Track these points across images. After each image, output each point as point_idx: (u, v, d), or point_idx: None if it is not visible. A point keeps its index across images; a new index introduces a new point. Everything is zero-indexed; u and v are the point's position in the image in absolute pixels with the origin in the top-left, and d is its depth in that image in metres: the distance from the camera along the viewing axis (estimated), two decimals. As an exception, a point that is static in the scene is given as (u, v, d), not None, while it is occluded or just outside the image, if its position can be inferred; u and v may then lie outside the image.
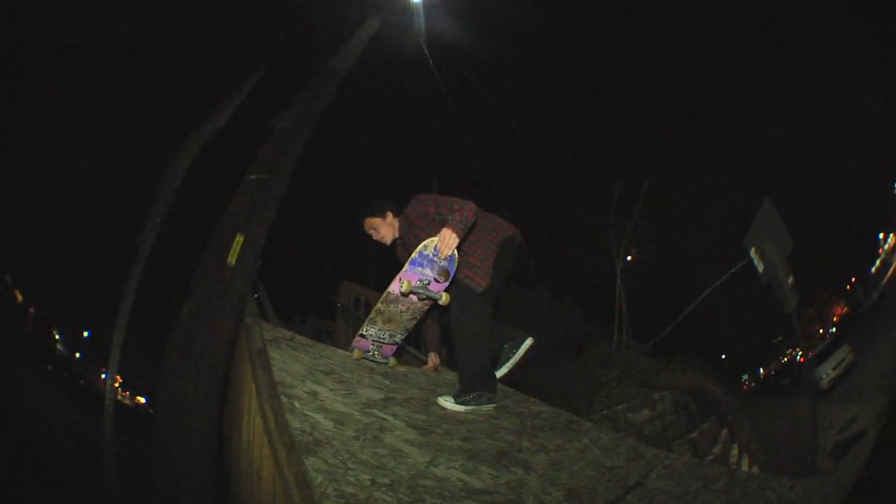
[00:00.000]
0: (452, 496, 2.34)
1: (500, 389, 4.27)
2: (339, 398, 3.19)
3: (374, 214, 4.22)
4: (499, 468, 2.78)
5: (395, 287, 3.75)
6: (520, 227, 4.16)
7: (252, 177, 5.30)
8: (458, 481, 2.51)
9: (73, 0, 5.70)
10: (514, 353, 4.13)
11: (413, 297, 3.81)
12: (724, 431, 7.34)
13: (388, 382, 3.95)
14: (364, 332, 4.10)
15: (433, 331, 4.52)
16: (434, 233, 3.78)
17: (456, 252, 3.60)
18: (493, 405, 3.90)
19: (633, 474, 3.10)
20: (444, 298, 3.69)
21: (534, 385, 7.51)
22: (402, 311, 3.97)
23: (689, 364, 9.22)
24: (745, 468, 6.64)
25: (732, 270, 8.89)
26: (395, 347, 4.28)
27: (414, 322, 4.12)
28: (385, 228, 4.20)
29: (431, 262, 3.64)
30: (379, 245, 4.38)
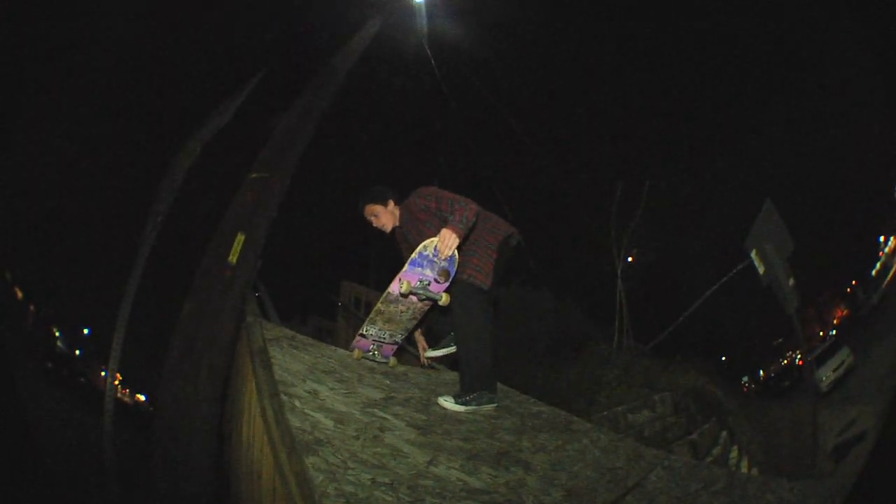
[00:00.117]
0: (452, 496, 2.34)
1: (501, 389, 4.29)
2: (339, 397, 3.19)
3: (375, 201, 4.21)
4: (499, 468, 2.79)
5: (394, 287, 3.75)
6: (520, 227, 4.17)
7: (253, 176, 5.30)
8: (457, 481, 2.51)
9: (73, 0, 5.70)
10: (450, 346, 4.23)
11: (413, 298, 3.82)
12: (724, 433, 7.33)
13: (388, 382, 3.95)
14: (364, 332, 4.10)
15: (422, 333, 4.53)
16: (433, 229, 3.81)
17: (456, 253, 3.60)
18: (494, 405, 3.91)
19: (632, 475, 3.11)
20: (444, 299, 3.69)
21: (534, 385, 7.52)
22: (402, 312, 3.98)
23: (690, 365, 9.21)
24: (744, 470, 6.64)
25: (733, 272, 8.89)
26: (395, 347, 4.29)
27: (414, 322, 4.12)
28: (386, 216, 4.20)
29: (431, 262, 3.64)
30: (380, 245, 4.40)
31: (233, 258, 4.86)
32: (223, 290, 4.77)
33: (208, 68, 7.16)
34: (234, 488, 3.88)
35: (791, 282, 6.17)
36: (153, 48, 6.87)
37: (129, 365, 5.31)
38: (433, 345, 4.45)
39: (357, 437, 2.67)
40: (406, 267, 3.63)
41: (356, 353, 4.18)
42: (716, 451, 6.56)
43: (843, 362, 10.38)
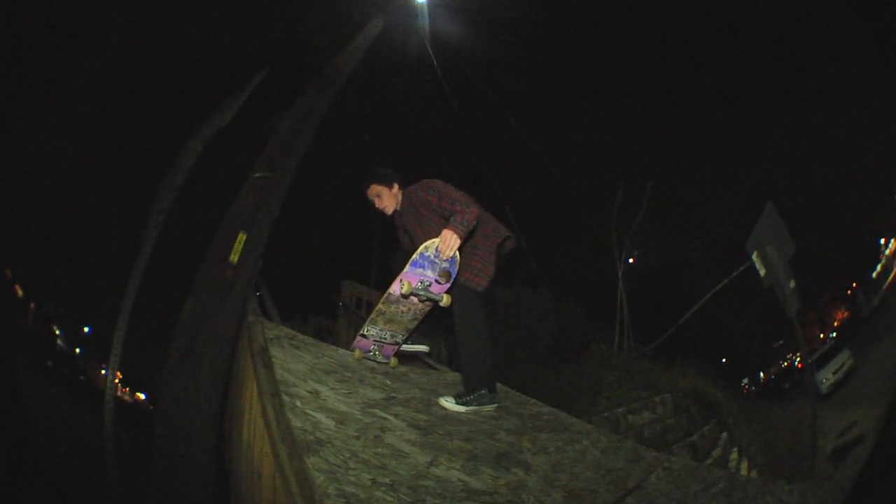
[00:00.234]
0: (453, 497, 2.35)
1: (501, 390, 4.29)
2: (340, 397, 3.20)
3: (381, 182, 4.20)
4: (499, 469, 2.79)
5: (395, 288, 3.75)
6: (522, 228, 4.22)
7: (255, 175, 5.30)
8: (458, 482, 2.52)
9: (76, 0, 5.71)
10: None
11: (414, 299, 3.82)
12: (724, 435, 7.34)
13: (389, 382, 3.95)
14: (365, 332, 4.10)
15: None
16: (432, 225, 3.85)
17: (458, 254, 3.61)
18: (495, 406, 3.92)
19: (633, 476, 3.11)
20: (445, 300, 3.69)
21: (534, 386, 7.52)
22: (403, 312, 3.98)
23: (690, 367, 9.22)
24: (744, 472, 6.65)
25: (734, 274, 8.89)
26: (396, 347, 4.29)
27: (415, 323, 4.12)
28: (388, 198, 4.19)
29: (433, 263, 3.64)
30: (380, 245, 4.42)
31: (234, 257, 4.86)
32: (224, 290, 4.77)
33: (210, 67, 7.16)
34: (234, 488, 3.88)
35: (792, 284, 6.17)
36: (155, 47, 6.88)
37: (130, 364, 5.30)
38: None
39: (358, 438, 2.67)
40: (407, 268, 3.63)
41: (357, 353, 4.18)
42: (716, 452, 6.57)
43: (843, 364, 10.39)
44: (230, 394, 4.58)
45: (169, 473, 4.43)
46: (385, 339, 4.16)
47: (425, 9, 7.84)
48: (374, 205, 4.24)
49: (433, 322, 4.32)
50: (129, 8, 6.49)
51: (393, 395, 3.67)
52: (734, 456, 6.93)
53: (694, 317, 9.71)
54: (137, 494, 4.82)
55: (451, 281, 3.69)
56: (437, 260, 3.63)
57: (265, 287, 6.71)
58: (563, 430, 3.84)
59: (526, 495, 2.55)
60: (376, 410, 3.18)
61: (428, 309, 4.00)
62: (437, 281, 3.67)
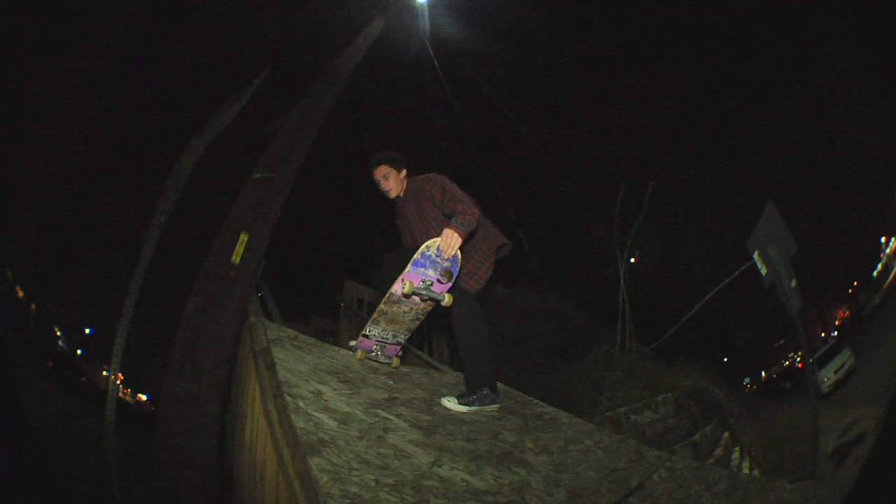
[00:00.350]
0: (457, 497, 2.35)
1: (503, 390, 4.30)
2: (343, 398, 3.20)
3: (391, 163, 4.24)
4: (502, 469, 2.79)
5: (397, 288, 3.75)
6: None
7: (257, 176, 5.30)
8: (461, 482, 2.52)
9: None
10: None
11: (416, 298, 3.82)
12: (726, 434, 7.33)
13: (391, 382, 3.95)
14: (367, 332, 4.10)
15: None
16: (431, 220, 3.94)
17: (459, 253, 3.62)
18: (497, 406, 3.92)
19: (635, 476, 3.11)
20: (446, 299, 3.69)
21: (537, 386, 7.51)
22: (405, 312, 3.98)
23: (692, 367, 9.20)
24: (746, 471, 6.64)
25: (735, 274, 8.89)
26: (398, 348, 4.29)
27: (417, 323, 4.12)
28: (395, 182, 4.22)
29: (434, 262, 3.64)
30: (382, 245, 4.42)
31: (236, 258, 4.86)
32: (226, 290, 4.77)
33: (212, 68, 7.17)
34: (236, 489, 3.88)
35: (793, 283, 6.16)
36: (157, 48, 6.88)
37: (132, 365, 5.31)
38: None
39: (361, 438, 2.67)
40: (409, 267, 3.63)
41: (359, 353, 4.18)
42: (718, 452, 6.56)
43: (844, 364, 10.38)
44: (232, 395, 4.58)
45: (170, 474, 4.43)
46: (387, 339, 4.16)
47: (426, 9, 7.85)
48: (378, 185, 4.26)
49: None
50: (131, 8, 6.50)
51: (395, 395, 3.67)
52: (736, 455, 6.92)
53: (696, 317, 9.71)
54: (139, 496, 4.81)
55: (454, 280, 3.69)
56: (438, 259, 3.63)
57: (267, 287, 6.71)
58: (566, 430, 3.84)
59: (529, 495, 2.55)
60: (379, 411, 3.19)
61: (430, 309, 3.99)
62: (438, 280, 3.66)
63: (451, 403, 3.73)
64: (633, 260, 10.97)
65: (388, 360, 4.28)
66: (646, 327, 10.63)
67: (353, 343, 4.27)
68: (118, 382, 5.09)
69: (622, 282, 10.42)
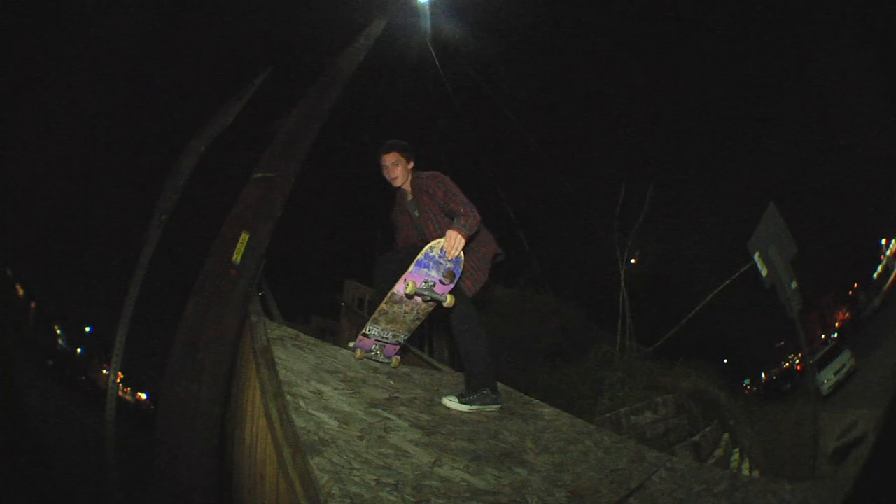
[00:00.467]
0: (457, 497, 2.35)
1: (504, 391, 4.30)
2: (343, 398, 3.20)
3: (403, 152, 4.22)
4: (503, 469, 2.79)
5: (399, 288, 3.75)
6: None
7: (258, 175, 5.30)
8: (462, 482, 2.52)
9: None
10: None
11: (417, 299, 3.82)
12: (726, 435, 7.34)
13: (392, 382, 3.95)
14: (367, 332, 4.10)
15: None
16: (431, 217, 4.00)
17: (462, 254, 3.62)
18: (498, 406, 3.93)
19: (635, 477, 3.11)
20: (448, 300, 3.69)
21: (537, 387, 7.52)
22: (406, 312, 3.97)
23: (692, 368, 9.21)
24: (746, 472, 6.64)
25: (736, 275, 8.89)
26: (398, 347, 4.28)
27: (418, 323, 4.12)
28: (402, 170, 4.21)
29: (437, 263, 3.64)
30: (383, 245, 4.43)
31: (237, 257, 4.86)
32: (227, 290, 4.77)
33: (213, 68, 7.17)
34: (236, 489, 3.89)
35: (793, 284, 6.17)
36: (158, 47, 6.88)
37: (132, 363, 5.31)
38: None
39: (361, 438, 2.67)
40: (412, 268, 3.63)
41: (358, 352, 4.18)
42: (718, 453, 6.57)
43: (844, 365, 10.38)
44: (232, 394, 4.58)
45: (170, 474, 4.43)
46: (387, 339, 4.15)
47: (427, 9, 7.85)
48: (385, 170, 4.24)
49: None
50: (132, 7, 6.50)
51: (396, 395, 3.67)
52: (736, 456, 6.93)
53: (696, 317, 9.71)
54: (138, 495, 4.82)
55: (456, 281, 3.70)
56: (441, 260, 3.63)
57: (268, 287, 6.72)
58: (566, 431, 3.84)
59: (529, 495, 2.55)
60: (380, 410, 3.19)
61: (431, 309, 3.99)
62: (441, 281, 3.66)
63: (452, 402, 3.74)
64: (633, 261, 10.96)
65: (387, 360, 4.28)
66: (646, 328, 10.63)
67: (352, 343, 4.28)
68: (118, 381, 5.09)
69: (623, 282, 10.42)
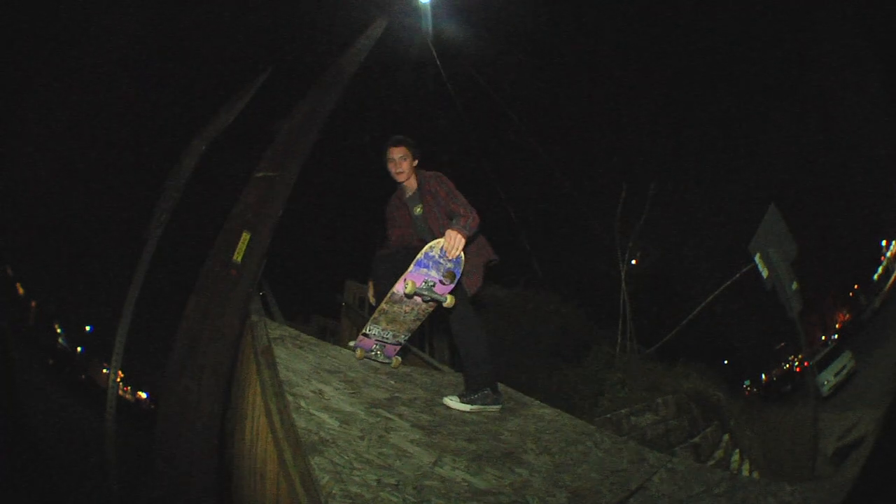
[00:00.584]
0: (458, 497, 2.35)
1: (504, 391, 4.30)
2: (344, 397, 3.20)
3: (409, 147, 4.24)
4: (503, 469, 2.79)
5: (399, 288, 3.75)
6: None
7: (259, 175, 5.30)
8: (463, 482, 2.52)
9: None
10: None
11: (417, 299, 3.82)
12: (726, 436, 7.34)
13: (393, 382, 3.95)
14: (367, 331, 4.10)
15: None
16: (432, 214, 4.00)
17: (462, 255, 3.62)
18: (499, 406, 3.93)
19: (636, 477, 3.11)
20: (448, 301, 3.69)
21: (537, 387, 7.51)
22: (406, 312, 3.98)
23: (692, 369, 9.21)
24: (746, 473, 6.64)
25: (737, 276, 8.89)
26: (398, 347, 4.29)
27: (418, 323, 4.12)
28: (407, 166, 4.22)
29: (437, 263, 3.64)
30: (383, 243, 4.43)
31: (238, 257, 4.87)
32: (228, 289, 4.78)
33: (214, 67, 7.17)
34: (236, 488, 3.89)
35: (794, 286, 6.17)
36: (160, 46, 6.88)
37: (132, 362, 5.31)
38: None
39: (362, 438, 2.67)
40: (411, 267, 3.63)
41: (358, 352, 4.18)
42: (718, 454, 6.57)
43: (844, 366, 10.37)
44: (232, 393, 4.58)
45: (170, 473, 4.43)
46: (387, 339, 4.16)
47: (428, 9, 7.85)
48: (391, 164, 4.24)
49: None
50: (133, 7, 6.50)
51: (397, 395, 3.67)
52: (736, 457, 6.93)
53: (696, 318, 9.71)
54: (138, 494, 4.82)
55: (456, 282, 3.69)
56: (441, 260, 3.63)
57: (268, 286, 6.71)
58: (567, 431, 3.84)
59: (530, 496, 2.55)
60: (380, 410, 3.19)
61: (431, 310, 3.99)
62: (441, 281, 3.66)
63: (453, 402, 3.75)
64: (634, 262, 10.96)
65: (387, 360, 4.29)
66: (647, 329, 10.62)
67: (352, 343, 4.28)
68: (118, 380, 5.09)
69: (623, 283, 10.42)
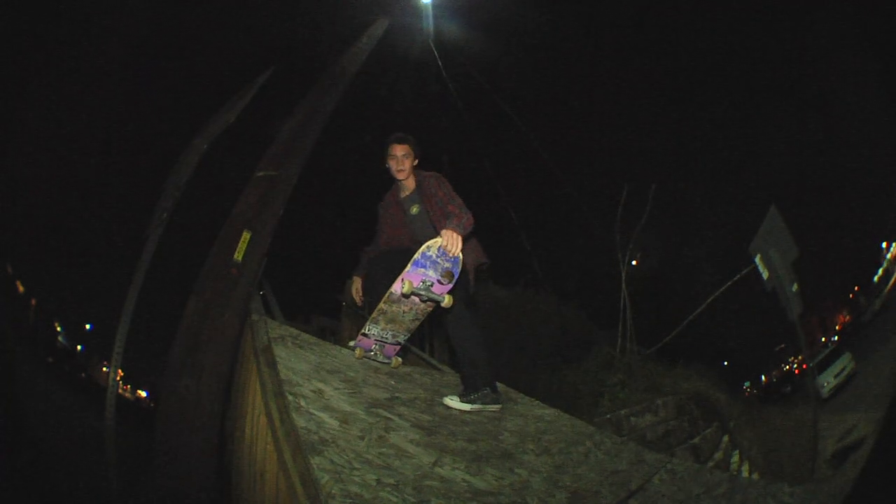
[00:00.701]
0: (458, 497, 2.35)
1: (504, 392, 4.30)
2: (344, 397, 3.20)
3: (411, 146, 4.25)
4: (503, 470, 2.79)
5: (397, 287, 3.75)
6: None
7: (260, 174, 5.30)
8: (462, 482, 2.52)
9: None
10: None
11: (415, 299, 3.81)
12: (726, 437, 7.33)
13: (392, 382, 3.95)
14: (367, 331, 4.10)
15: None
16: (431, 214, 4.02)
17: (461, 254, 3.61)
18: (499, 406, 3.93)
19: (635, 478, 3.11)
20: (446, 301, 3.69)
21: (537, 388, 7.51)
22: (405, 312, 3.97)
23: (692, 370, 9.21)
24: (746, 474, 6.64)
25: (737, 277, 8.89)
26: (398, 348, 4.28)
27: (417, 323, 4.11)
28: (408, 165, 4.23)
29: (435, 263, 3.63)
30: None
31: (238, 256, 4.87)
32: (228, 288, 4.78)
33: (215, 67, 7.17)
34: (236, 488, 3.89)
35: (794, 287, 6.17)
36: (161, 46, 6.88)
37: (132, 361, 5.31)
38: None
39: (362, 438, 2.67)
40: (409, 267, 3.63)
41: (358, 351, 4.18)
42: (718, 455, 6.56)
43: (844, 368, 10.37)
44: (232, 393, 4.58)
45: (170, 473, 4.43)
46: (387, 338, 4.15)
47: (430, 9, 7.85)
48: (393, 161, 4.23)
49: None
50: (133, 7, 6.50)
51: (397, 395, 3.67)
52: (736, 458, 6.93)
53: (696, 320, 9.70)
54: (138, 494, 4.81)
55: (454, 282, 3.69)
56: (439, 260, 3.62)
57: (269, 286, 6.71)
58: (567, 432, 3.84)
59: (530, 496, 2.55)
60: (380, 410, 3.19)
61: (430, 310, 3.99)
62: (439, 281, 3.66)
63: (453, 402, 3.75)
64: (634, 262, 10.95)
65: (386, 360, 4.28)
66: (647, 330, 10.61)
67: (352, 343, 4.28)
68: (118, 379, 5.09)
69: (623, 283, 10.41)
